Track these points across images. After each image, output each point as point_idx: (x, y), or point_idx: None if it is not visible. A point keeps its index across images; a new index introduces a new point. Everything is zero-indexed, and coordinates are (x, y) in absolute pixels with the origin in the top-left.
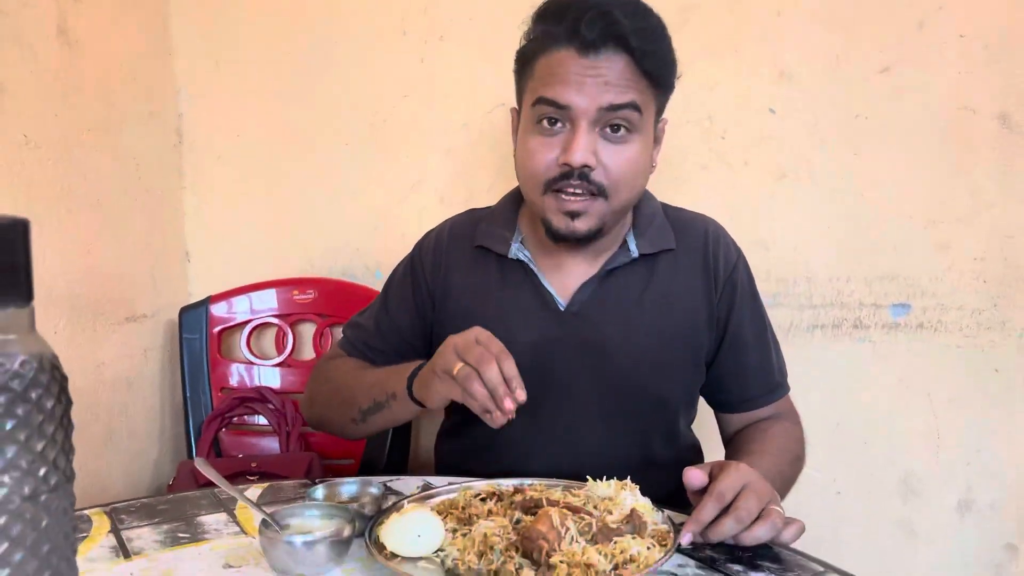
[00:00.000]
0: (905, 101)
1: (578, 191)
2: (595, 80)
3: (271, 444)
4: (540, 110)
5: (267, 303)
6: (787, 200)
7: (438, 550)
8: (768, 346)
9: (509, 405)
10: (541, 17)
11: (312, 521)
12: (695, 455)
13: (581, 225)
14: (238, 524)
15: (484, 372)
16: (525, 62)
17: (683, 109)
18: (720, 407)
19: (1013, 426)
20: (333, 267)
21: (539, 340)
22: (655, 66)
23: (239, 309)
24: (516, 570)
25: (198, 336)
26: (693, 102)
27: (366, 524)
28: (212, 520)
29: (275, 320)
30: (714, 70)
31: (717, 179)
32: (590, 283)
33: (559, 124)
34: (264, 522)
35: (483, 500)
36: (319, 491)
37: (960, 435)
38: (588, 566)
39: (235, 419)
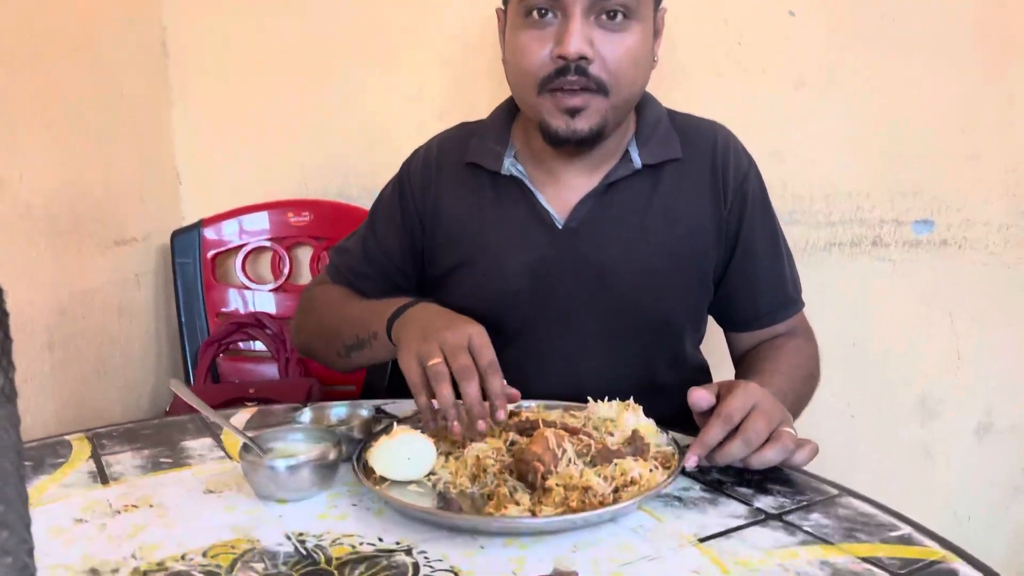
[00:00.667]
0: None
1: (576, 87)
2: None
3: (270, 370)
4: (528, 1)
5: (262, 226)
6: (806, 109)
7: (429, 473)
8: (781, 258)
9: (482, 427)
10: None
11: (297, 445)
12: (702, 376)
13: (582, 124)
14: (223, 449)
15: (463, 388)
16: None
17: (696, 12)
18: (730, 326)
19: None
20: (328, 188)
21: (535, 260)
22: None
23: (233, 232)
24: (510, 493)
25: (191, 260)
26: (707, 4)
27: (355, 448)
28: (197, 445)
29: (270, 244)
30: None
31: (732, 87)
32: (589, 198)
33: (550, 15)
34: (245, 446)
35: None
36: (306, 414)
37: (981, 356)
38: (586, 489)
39: (232, 345)
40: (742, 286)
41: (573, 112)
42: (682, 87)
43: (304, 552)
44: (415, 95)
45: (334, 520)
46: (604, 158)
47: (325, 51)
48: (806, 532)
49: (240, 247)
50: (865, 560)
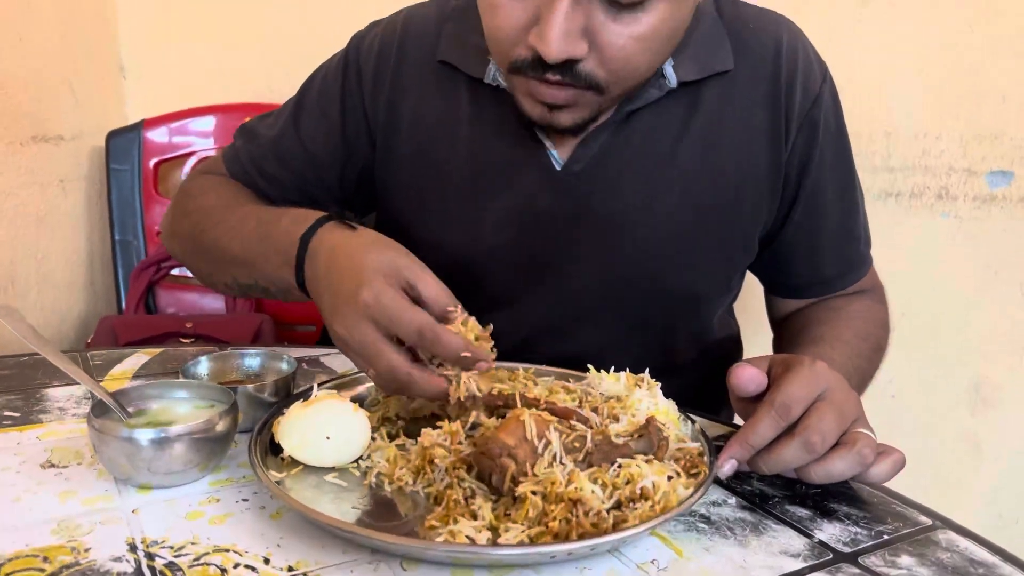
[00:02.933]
0: None
1: (559, 83)
2: None
3: (215, 303)
4: None
5: (214, 130)
6: (873, 28)
7: (358, 458)
8: (856, 208)
9: (484, 367)
10: None
11: (177, 408)
12: (732, 348)
13: (564, 118)
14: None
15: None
16: None
17: None
18: (778, 290)
19: None
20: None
21: (524, 209)
22: None
23: (180, 137)
24: (466, 499)
25: (128, 168)
26: None
27: (260, 417)
28: (63, 395)
29: None
30: None
31: None
32: (601, 130)
33: None
34: (99, 406)
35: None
36: (202, 364)
37: None
38: (575, 502)
39: (173, 271)
40: (802, 246)
41: (552, 107)
42: None
43: None
44: None
45: (208, 523)
46: None
47: None
48: None
49: (188, 155)
50: None
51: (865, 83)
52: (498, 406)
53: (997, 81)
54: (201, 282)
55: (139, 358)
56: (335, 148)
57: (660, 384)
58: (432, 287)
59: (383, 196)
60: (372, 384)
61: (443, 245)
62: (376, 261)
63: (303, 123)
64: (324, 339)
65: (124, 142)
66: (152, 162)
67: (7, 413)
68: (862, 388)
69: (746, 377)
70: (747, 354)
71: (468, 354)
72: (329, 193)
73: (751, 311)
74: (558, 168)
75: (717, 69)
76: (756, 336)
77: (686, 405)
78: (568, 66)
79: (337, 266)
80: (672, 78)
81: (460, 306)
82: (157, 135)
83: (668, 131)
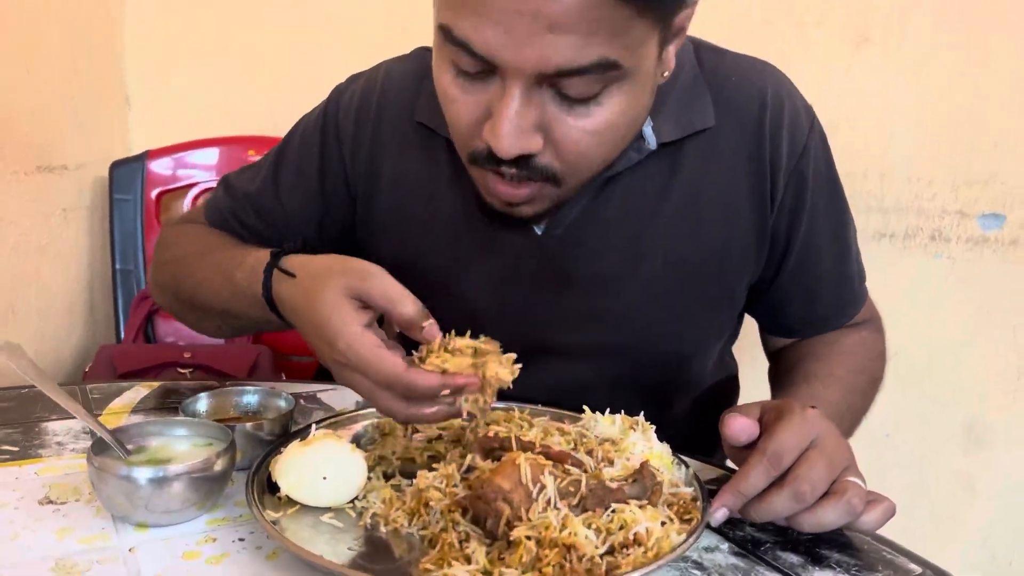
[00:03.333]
0: None
1: (515, 178)
2: (531, 22)
3: None
4: (449, 47)
5: (217, 163)
6: (867, 73)
7: (354, 499)
8: (849, 252)
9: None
10: None
11: (176, 445)
12: (728, 389)
13: (525, 210)
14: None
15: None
16: None
17: None
18: (773, 331)
19: None
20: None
21: (505, 273)
22: None
23: (183, 168)
24: (459, 543)
25: (131, 198)
26: None
27: (261, 454)
28: (62, 429)
29: None
30: None
31: (782, 39)
32: (582, 195)
33: (482, 76)
34: (99, 443)
35: (430, 442)
36: (201, 401)
37: None
38: (568, 547)
39: None
40: (796, 292)
41: (511, 203)
42: (718, 32)
43: None
44: (411, 19)
45: (205, 563)
46: None
47: None
48: None
49: (190, 186)
50: None
51: (859, 126)
52: (494, 448)
53: (988, 126)
54: (192, 328)
55: (137, 392)
56: (314, 204)
57: (655, 427)
58: (399, 312)
59: (366, 251)
60: (369, 423)
61: (426, 304)
62: (335, 303)
63: (282, 179)
64: (322, 372)
65: (128, 172)
66: (154, 192)
67: (6, 447)
68: (856, 424)
69: (738, 428)
70: (745, 385)
71: (447, 392)
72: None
73: (751, 337)
74: (538, 231)
75: (697, 127)
76: (754, 370)
77: (681, 446)
78: (523, 160)
79: (303, 320)
80: (652, 140)
81: (432, 321)
82: (160, 166)
83: (649, 193)
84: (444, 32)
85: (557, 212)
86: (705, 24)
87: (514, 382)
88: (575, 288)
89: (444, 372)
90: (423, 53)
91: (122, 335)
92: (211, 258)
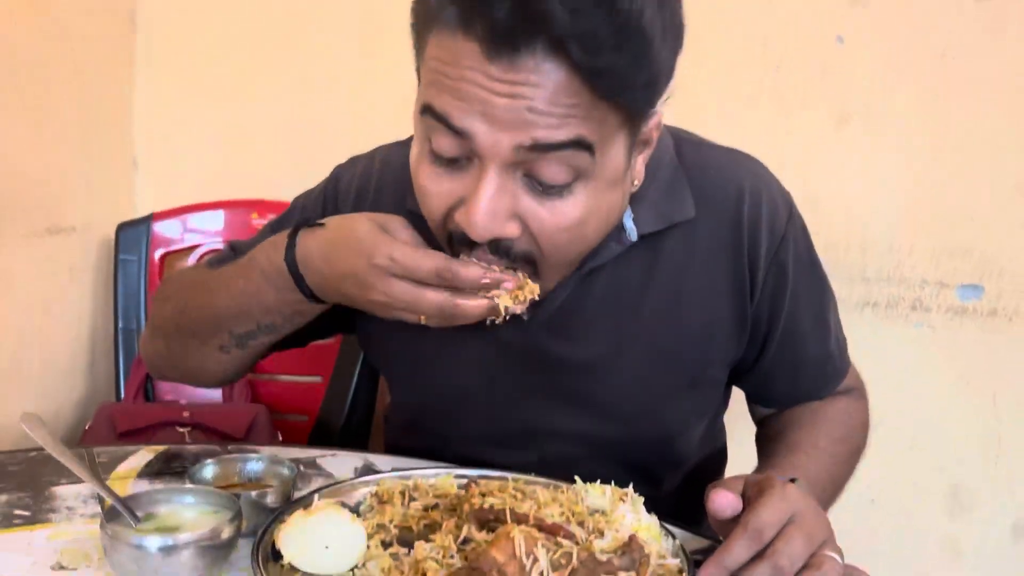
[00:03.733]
0: (1005, 37)
1: (491, 261)
2: (510, 101)
3: (212, 392)
4: (429, 124)
5: (220, 226)
6: (847, 150)
7: (353, 567)
8: (828, 330)
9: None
10: None
11: (184, 513)
12: (717, 461)
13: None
14: (102, 504)
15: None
16: (418, 23)
17: (731, 26)
18: (757, 401)
19: None
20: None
21: (493, 357)
22: (617, 85)
23: (187, 230)
24: None
25: (136, 258)
26: (745, 18)
27: (264, 521)
28: (71, 493)
29: None
30: None
31: (765, 118)
32: (563, 286)
33: (458, 160)
34: (111, 511)
35: (428, 510)
36: (208, 469)
37: None
38: None
39: None
40: (779, 371)
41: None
42: (705, 112)
43: None
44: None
45: None
46: None
47: (313, 35)
48: None
49: (193, 247)
50: None
51: (841, 198)
52: (489, 520)
53: (964, 200)
54: (193, 373)
55: (143, 456)
56: None
57: (644, 499)
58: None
59: (359, 327)
60: (367, 491)
61: (418, 383)
62: (369, 228)
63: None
64: (318, 433)
65: (133, 233)
66: (158, 253)
67: (18, 512)
68: (838, 492)
69: (723, 503)
70: (735, 452)
71: (487, 280)
72: (310, 326)
73: (741, 405)
74: (524, 318)
75: (677, 219)
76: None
77: (669, 514)
78: (501, 245)
79: (339, 255)
80: (632, 232)
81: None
82: (165, 228)
83: (631, 283)
84: (425, 109)
85: (541, 301)
86: (692, 105)
87: (505, 458)
88: (562, 373)
89: None
90: None
91: (122, 393)
92: (219, 268)
